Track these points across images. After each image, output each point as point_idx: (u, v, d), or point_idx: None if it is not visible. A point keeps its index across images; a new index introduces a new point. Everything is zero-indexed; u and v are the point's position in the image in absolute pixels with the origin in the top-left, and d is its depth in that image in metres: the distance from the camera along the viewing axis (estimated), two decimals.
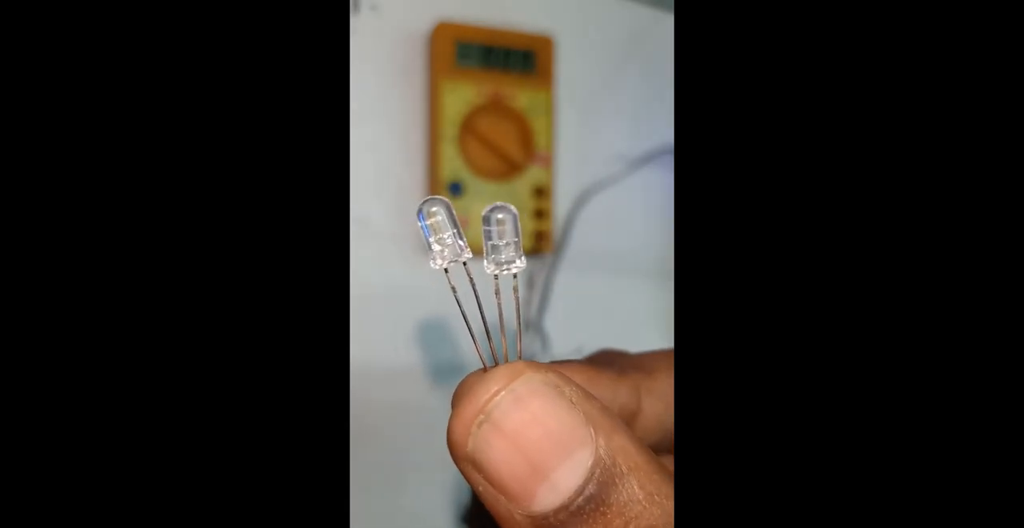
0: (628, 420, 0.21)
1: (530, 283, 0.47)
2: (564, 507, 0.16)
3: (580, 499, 0.16)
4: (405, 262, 0.44)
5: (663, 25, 0.53)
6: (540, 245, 0.46)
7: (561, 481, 0.16)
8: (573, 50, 0.49)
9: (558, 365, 0.20)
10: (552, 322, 0.48)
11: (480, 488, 0.17)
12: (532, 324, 0.47)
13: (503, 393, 0.17)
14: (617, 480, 0.16)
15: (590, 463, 0.16)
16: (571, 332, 0.45)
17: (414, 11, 0.45)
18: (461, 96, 0.44)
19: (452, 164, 0.43)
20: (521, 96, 0.45)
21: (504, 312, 0.18)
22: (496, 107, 0.45)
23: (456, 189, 0.43)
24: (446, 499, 0.46)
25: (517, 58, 0.45)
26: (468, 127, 0.44)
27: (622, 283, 0.52)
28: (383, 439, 0.43)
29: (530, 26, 0.48)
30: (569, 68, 0.49)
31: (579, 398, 0.17)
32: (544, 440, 0.16)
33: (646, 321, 0.53)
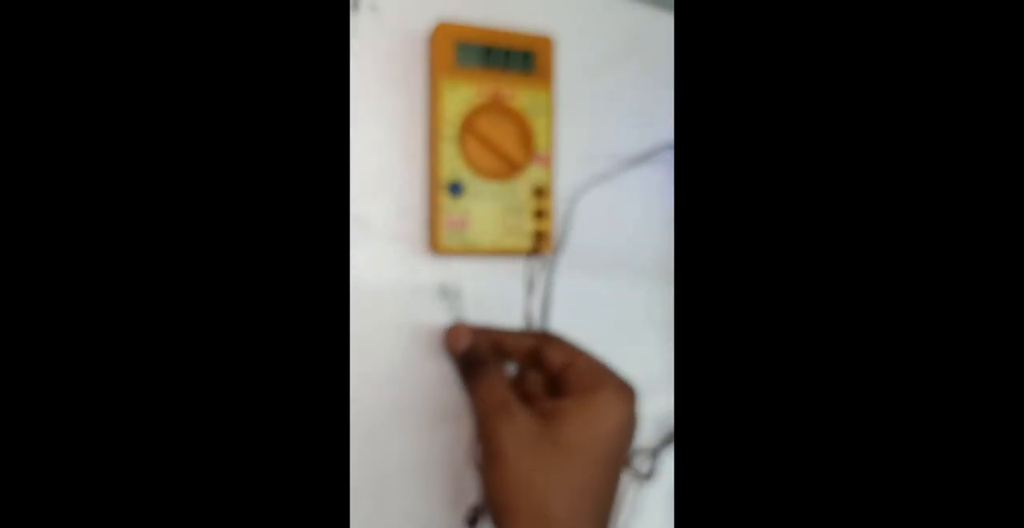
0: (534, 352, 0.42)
1: (530, 283, 0.47)
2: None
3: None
4: (405, 262, 0.44)
5: (663, 25, 0.53)
6: (540, 245, 0.46)
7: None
8: (573, 50, 0.49)
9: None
10: (552, 322, 0.48)
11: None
12: (535, 325, 0.47)
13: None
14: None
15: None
16: (571, 332, 0.45)
17: (414, 11, 0.45)
18: (461, 96, 0.44)
19: (452, 164, 0.44)
20: (521, 96, 0.45)
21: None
22: (496, 107, 0.45)
23: (456, 189, 0.43)
24: (446, 499, 0.46)
25: (517, 58, 0.45)
26: (468, 127, 0.44)
27: (622, 283, 0.52)
28: (383, 439, 0.44)
29: (530, 26, 0.48)
30: (569, 68, 0.49)
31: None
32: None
33: (646, 321, 0.53)
